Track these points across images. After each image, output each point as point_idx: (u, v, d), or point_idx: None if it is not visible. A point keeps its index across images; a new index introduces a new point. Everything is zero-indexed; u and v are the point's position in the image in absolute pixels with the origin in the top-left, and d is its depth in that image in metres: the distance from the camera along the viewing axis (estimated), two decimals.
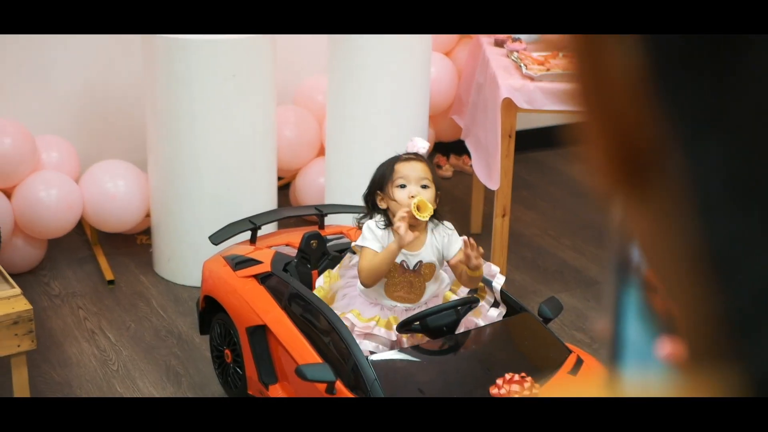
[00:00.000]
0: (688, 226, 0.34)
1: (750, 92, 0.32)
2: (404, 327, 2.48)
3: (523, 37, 3.70)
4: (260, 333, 2.69)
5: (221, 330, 2.87)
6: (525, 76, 3.31)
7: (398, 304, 2.57)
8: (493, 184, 3.34)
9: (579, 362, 2.49)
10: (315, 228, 3.03)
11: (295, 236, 2.98)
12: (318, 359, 2.46)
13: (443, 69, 4.17)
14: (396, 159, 2.56)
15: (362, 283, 2.54)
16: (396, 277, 2.56)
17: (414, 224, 2.49)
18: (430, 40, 3.54)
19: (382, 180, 2.55)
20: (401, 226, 2.43)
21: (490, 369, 2.40)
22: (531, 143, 4.70)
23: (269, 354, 2.69)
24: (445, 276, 2.66)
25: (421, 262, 2.55)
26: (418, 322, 2.46)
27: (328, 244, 2.90)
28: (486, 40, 3.79)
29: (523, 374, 2.34)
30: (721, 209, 0.33)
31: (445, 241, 2.57)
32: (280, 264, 2.79)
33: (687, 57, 0.33)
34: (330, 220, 3.20)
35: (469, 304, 2.54)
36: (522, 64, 3.36)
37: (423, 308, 2.56)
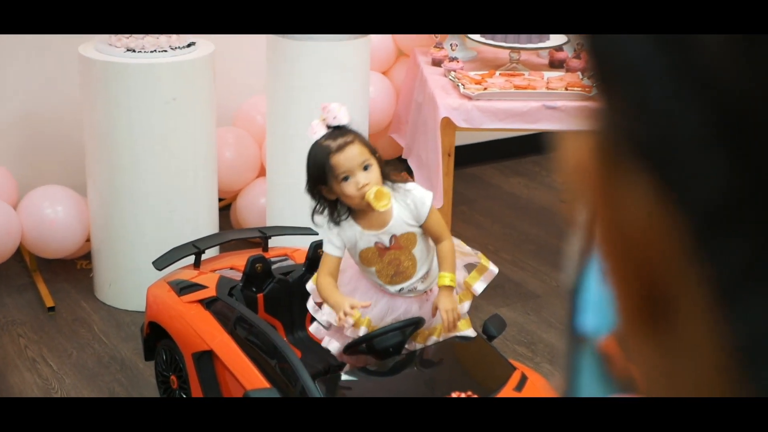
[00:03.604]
0: (732, 379, 0.33)
1: None
2: (350, 349, 2.50)
3: (459, 55, 3.75)
4: (207, 358, 2.69)
5: (166, 356, 2.86)
6: (463, 95, 3.36)
7: (402, 286, 2.51)
8: (437, 203, 3.38)
9: (524, 379, 2.54)
10: (259, 250, 3.03)
11: (239, 259, 2.98)
12: (266, 384, 2.47)
13: (381, 88, 4.20)
14: (328, 152, 2.37)
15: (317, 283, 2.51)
16: (380, 261, 2.48)
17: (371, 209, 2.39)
18: (368, 59, 3.58)
19: (322, 176, 2.39)
20: (346, 322, 2.37)
21: (437, 388, 2.43)
22: (467, 159, 4.75)
23: (216, 379, 2.69)
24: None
25: (394, 235, 2.47)
26: (364, 344, 2.49)
27: (272, 267, 2.91)
28: (423, 59, 3.83)
29: (469, 392, 2.38)
30: (765, 363, 0.32)
31: (411, 208, 2.46)
32: (225, 288, 2.79)
33: (728, 223, 0.33)
34: (274, 242, 3.21)
35: (414, 326, 2.56)
36: (460, 84, 3.41)
37: (424, 281, 2.52)
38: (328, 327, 2.53)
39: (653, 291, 0.35)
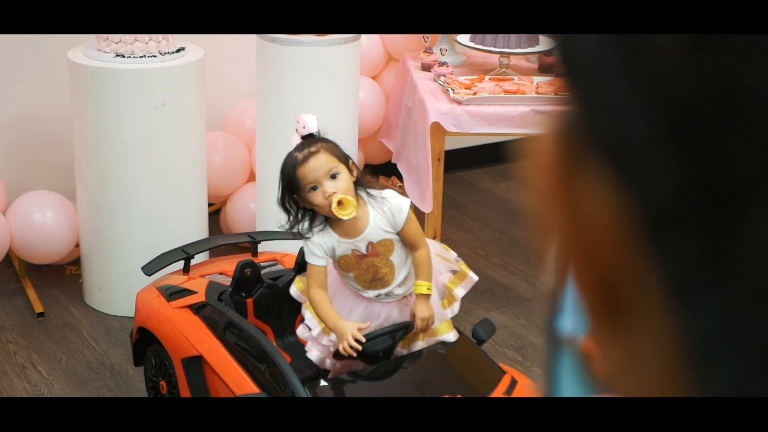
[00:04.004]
0: (679, 374, 0.34)
1: (746, 249, 0.31)
2: (340, 354, 2.50)
3: (449, 60, 3.76)
4: (196, 364, 2.69)
5: (156, 361, 2.86)
6: (453, 100, 3.36)
7: (380, 291, 2.52)
8: (426, 207, 3.38)
9: (513, 383, 2.54)
10: (248, 255, 3.03)
11: (229, 264, 2.98)
12: (255, 389, 2.47)
13: (371, 93, 4.21)
14: (295, 163, 2.41)
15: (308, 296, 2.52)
16: (358, 267, 2.49)
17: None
18: (358, 64, 3.58)
19: (294, 188, 2.43)
20: (347, 350, 2.39)
21: (427, 393, 2.43)
22: (457, 163, 4.76)
23: (206, 385, 2.69)
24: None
25: (371, 243, 2.48)
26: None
27: (262, 272, 2.91)
28: (413, 63, 3.84)
29: (459, 397, 2.38)
30: (716, 360, 0.32)
31: (388, 215, 2.46)
32: (214, 294, 2.79)
33: (680, 220, 0.33)
34: (263, 247, 3.21)
35: (404, 330, 2.57)
36: (449, 89, 3.41)
37: (402, 286, 2.53)
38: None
39: (610, 288, 0.36)
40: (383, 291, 2.53)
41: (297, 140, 2.47)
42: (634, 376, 0.36)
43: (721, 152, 0.32)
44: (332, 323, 2.44)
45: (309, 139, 2.45)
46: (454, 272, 2.64)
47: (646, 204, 0.34)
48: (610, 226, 0.35)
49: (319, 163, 2.39)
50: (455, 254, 2.69)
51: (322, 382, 2.45)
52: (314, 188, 2.39)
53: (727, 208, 0.32)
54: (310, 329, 2.55)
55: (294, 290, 2.66)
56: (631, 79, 0.34)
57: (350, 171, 2.43)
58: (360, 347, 2.40)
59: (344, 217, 2.36)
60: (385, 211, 2.47)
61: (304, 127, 2.46)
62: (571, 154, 0.37)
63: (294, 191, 2.43)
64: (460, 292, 2.62)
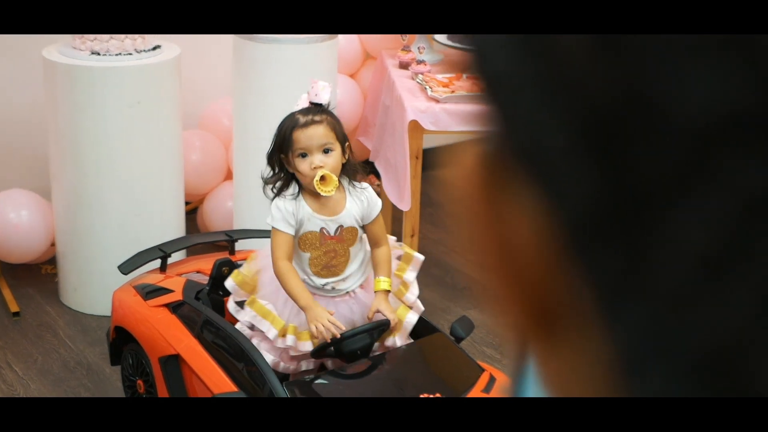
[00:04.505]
0: (612, 384, 0.33)
1: (664, 257, 0.31)
2: (319, 353, 2.49)
3: (426, 59, 3.76)
4: (173, 363, 2.67)
5: (133, 360, 2.84)
6: (430, 98, 3.36)
7: (328, 280, 2.49)
8: (404, 206, 3.38)
9: (492, 380, 2.54)
10: (225, 254, 3.02)
11: (206, 263, 2.96)
12: (233, 387, 2.46)
13: (349, 91, 4.20)
14: (295, 124, 2.40)
15: (273, 268, 2.44)
16: (318, 248, 2.47)
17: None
18: (336, 61, 3.57)
19: (284, 146, 2.41)
20: (322, 333, 2.34)
21: (406, 390, 2.43)
22: (436, 162, 4.75)
23: (183, 384, 2.67)
24: (366, 239, 2.56)
25: (341, 226, 2.47)
26: (332, 347, 2.48)
27: None
28: (390, 61, 3.83)
29: (437, 394, 2.38)
30: (646, 369, 0.32)
31: (364, 205, 2.47)
32: (191, 292, 2.78)
33: (600, 232, 0.32)
34: (241, 245, 3.20)
35: (382, 327, 2.56)
36: (427, 87, 3.41)
37: (345, 282, 2.51)
38: (251, 328, 2.51)
39: (538, 302, 0.35)
40: (331, 280, 2.50)
41: (304, 103, 2.46)
42: (571, 386, 0.36)
43: (632, 159, 0.31)
44: (304, 302, 2.38)
45: (317, 107, 2.44)
46: (399, 257, 2.62)
47: (567, 217, 0.33)
48: (534, 240, 0.34)
49: (317, 133, 2.38)
50: (395, 238, 2.67)
51: (301, 381, 2.44)
52: (303, 155, 2.39)
53: (642, 217, 0.31)
54: (253, 329, 2.47)
55: (231, 283, 2.57)
56: (544, 87, 0.33)
57: (343, 152, 2.42)
58: (342, 328, 2.36)
59: (323, 194, 2.35)
60: (362, 200, 2.47)
61: (316, 95, 2.44)
62: (492, 168, 0.36)
63: (283, 151, 2.42)
64: (410, 276, 2.60)
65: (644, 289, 0.32)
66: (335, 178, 2.37)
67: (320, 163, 2.37)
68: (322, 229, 2.46)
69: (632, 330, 0.32)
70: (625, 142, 0.31)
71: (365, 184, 2.51)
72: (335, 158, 2.40)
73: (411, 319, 2.58)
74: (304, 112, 2.42)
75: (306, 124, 2.39)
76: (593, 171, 0.32)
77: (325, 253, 2.48)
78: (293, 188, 2.46)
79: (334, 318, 2.40)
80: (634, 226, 0.31)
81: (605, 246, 0.32)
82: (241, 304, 2.56)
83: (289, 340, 2.45)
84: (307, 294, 2.42)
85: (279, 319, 2.46)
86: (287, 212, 2.43)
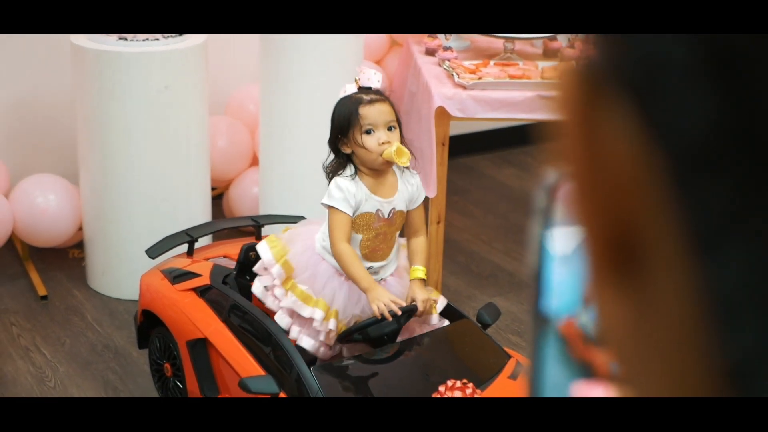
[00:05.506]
0: (699, 332, 0.31)
1: None
2: (345, 337, 2.49)
3: (453, 45, 3.75)
4: (201, 346, 2.68)
5: (160, 344, 2.86)
6: (457, 85, 3.35)
7: (373, 264, 2.48)
8: (431, 192, 3.37)
9: (519, 367, 2.54)
10: (252, 239, 3.03)
11: (233, 248, 2.98)
12: (261, 371, 2.47)
13: None
14: (359, 102, 2.41)
15: (332, 251, 2.44)
16: (371, 230, 2.46)
17: (383, 169, 2.43)
18: (362, 48, 3.57)
19: (345, 125, 2.41)
20: (384, 312, 2.34)
21: (432, 376, 2.43)
22: (461, 149, 4.75)
23: (210, 367, 2.68)
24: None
25: (394, 209, 2.48)
26: (359, 333, 2.48)
27: None
28: (417, 48, 3.83)
29: (464, 380, 2.38)
30: (741, 318, 0.30)
31: (413, 189, 2.50)
32: (219, 276, 2.79)
33: (710, 163, 0.30)
34: (267, 230, 3.21)
35: (409, 313, 2.56)
36: (454, 73, 3.40)
37: (384, 270, 2.52)
38: (290, 316, 2.49)
39: (624, 235, 0.33)
40: (375, 264, 2.51)
41: (352, 89, 2.47)
42: (647, 336, 0.33)
43: (761, 84, 0.29)
44: (366, 283, 2.38)
45: (371, 90, 2.46)
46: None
47: (676, 145, 0.30)
48: (631, 168, 0.32)
49: (384, 110, 2.41)
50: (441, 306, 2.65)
51: (328, 365, 2.45)
52: (369, 131, 2.40)
53: (764, 150, 0.29)
54: (293, 316, 2.48)
55: (265, 249, 2.53)
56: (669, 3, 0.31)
57: (401, 133, 2.45)
58: (399, 311, 2.37)
59: (401, 164, 2.38)
60: (412, 184, 2.50)
61: (368, 80, 2.47)
62: (594, 87, 0.33)
63: (344, 131, 2.42)
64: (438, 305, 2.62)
65: (752, 232, 0.29)
66: (407, 151, 2.39)
67: (387, 139, 2.39)
68: (377, 210, 2.46)
69: (733, 277, 0.30)
70: (753, 64, 0.29)
71: (414, 171, 2.53)
72: (398, 136, 2.42)
73: (439, 305, 2.61)
74: (363, 92, 2.45)
75: (372, 101, 2.41)
76: (712, 97, 0.30)
77: (376, 236, 2.48)
78: (350, 169, 2.46)
79: (396, 297, 2.41)
80: (753, 162, 0.29)
81: (714, 179, 0.30)
82: (269, 289, 2.56)
83: (332, 323, 2.45)
84: (369, 276, 2.42)
85: (323, 301, 2.46)
86: (348, 192, 2.42)
